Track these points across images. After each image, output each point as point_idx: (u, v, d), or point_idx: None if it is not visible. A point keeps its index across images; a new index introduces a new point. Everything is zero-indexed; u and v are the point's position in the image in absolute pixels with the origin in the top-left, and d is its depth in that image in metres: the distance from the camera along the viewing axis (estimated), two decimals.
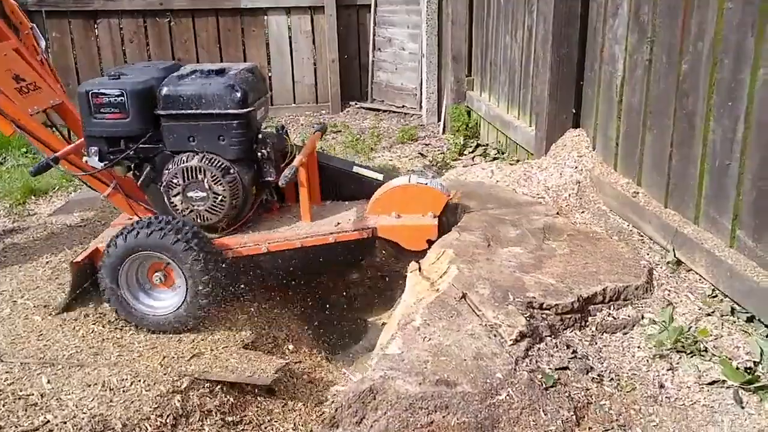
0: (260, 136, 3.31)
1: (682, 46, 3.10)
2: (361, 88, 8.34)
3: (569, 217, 3.60)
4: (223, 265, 3.14)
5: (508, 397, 2.24)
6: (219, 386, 2.80)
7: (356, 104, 8.20)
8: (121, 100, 3.12)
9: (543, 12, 4.18)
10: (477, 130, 6.36)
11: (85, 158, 3.26)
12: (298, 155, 3.30)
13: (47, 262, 3.76)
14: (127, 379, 2.71)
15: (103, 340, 3.04)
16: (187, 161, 3.16)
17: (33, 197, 4.99)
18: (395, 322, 2.83)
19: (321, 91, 8.14)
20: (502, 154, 5.41)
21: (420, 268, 3.12)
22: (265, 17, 7.89)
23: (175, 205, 3.21)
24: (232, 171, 3.18)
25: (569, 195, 3.88)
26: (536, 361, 2.43)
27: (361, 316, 3.64)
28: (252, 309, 3.36)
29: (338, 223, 3.32)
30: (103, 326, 3.13)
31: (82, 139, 3.36)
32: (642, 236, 3.38)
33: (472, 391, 2.23)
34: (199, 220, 3.22)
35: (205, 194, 3.16)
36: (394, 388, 2.25)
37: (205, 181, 3.14)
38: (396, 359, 2.37)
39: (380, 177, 3.61)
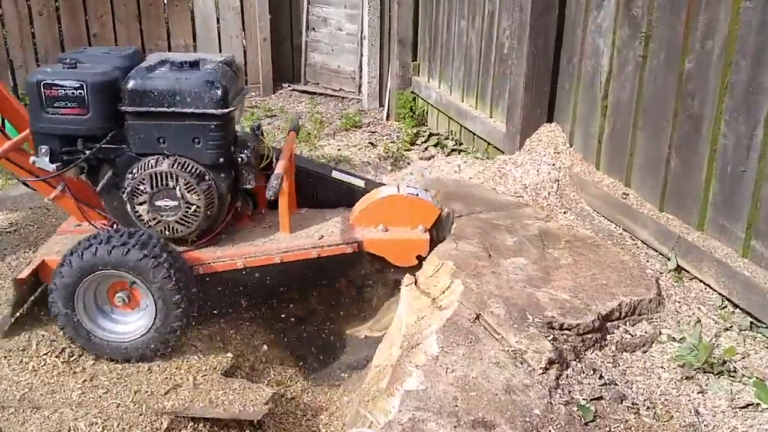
0: (239, 138, 2.95)
1: (686, 44, 2.96)
2: (294, 69, 7.93)
3: (555, 219, 3.44)
4: (194, 282, 2.78)
5: None
6: (203, 423, 2.47)
7: (289, 86, 7.80)
8: (80, 93, 2.67)
9: (519, 0, 3.97)
10: (424, 117, 6.14)
11: (32, 159, 2.80)
12: (280, 160, 2.95)
13: None
14: (96, 423, 2.34)
15: (60, 373, 2.62)
16: (156, 165, 2.76)
17: None
18: (396, 344, 2.58)
19: (251, 72, 7.67)
20: (460, 145, 5.21)
21: (416, 282, 2.87)
22: None
23: (140, 215, 2.81)
24: (207, 177, 2.81)
25: (549, 194, 3.72)
26: (569, 391, 2.24)
27: (338, 329, 3.35)
28: (224, 329, 3.02)
29: (321, 236, 3.01)
30: (57, 356, 2.70)
31: (25, 133, 2.89)
32: (635, 240, 3.26)
33: None
34: (167, 232, 2.83)
35: (176, 203, 2.78)
36: None
37: (177, 188, 2.76)
38: (422, 397, 2.12)
39: (362, 184, 3.31)
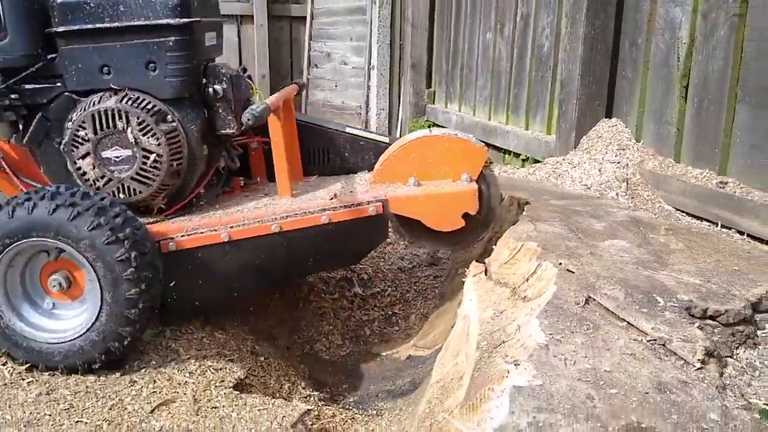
0: (213, 67, 2.30)
1: None
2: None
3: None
4: (160, 269, 2.07)
5: None
6: None
7: None
8: None
9: None
10: None
11: None
12: (271, 97, 2.30)
13: None
14: None
15: (6, 385, 1.89)
16: (99, 103, 2.09)
17: None
18: (468, 348, 1.89)
19: None
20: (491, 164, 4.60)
21: (487, 271, 2.20)
22: None
23: (84, 173, 2.12)
24: (169, 117, 2.14)
25: (617, 194, 3.09)
26: (741, 393, 1.56)
27: (373, 347, 2.64)
28: (226, 339, 2.30)
29: (334, 195, 2.32)
30: (3, 364, 1.98)
31: None
32: (743, 236, 2.62)
33: None
34: (122, 194, 2.13)
35: (129, 152, 2.09)
36: None
37: (129, 131, 2.08)
38: (540, 394, 1.42)
39: (386, 139, 2.65)
